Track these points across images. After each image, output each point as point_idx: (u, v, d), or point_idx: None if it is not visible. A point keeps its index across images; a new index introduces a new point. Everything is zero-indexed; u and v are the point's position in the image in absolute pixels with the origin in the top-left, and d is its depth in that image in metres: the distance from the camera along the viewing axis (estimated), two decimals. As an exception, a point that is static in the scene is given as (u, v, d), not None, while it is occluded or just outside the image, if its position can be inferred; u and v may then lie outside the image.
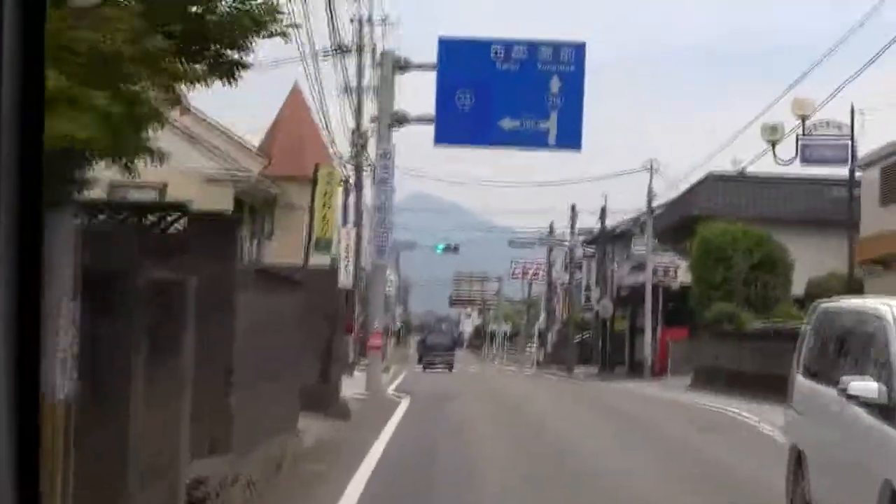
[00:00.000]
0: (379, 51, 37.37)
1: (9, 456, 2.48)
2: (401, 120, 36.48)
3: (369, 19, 46.74)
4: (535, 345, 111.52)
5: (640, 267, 63.86)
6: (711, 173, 60.75)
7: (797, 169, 60.25)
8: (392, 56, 35.99)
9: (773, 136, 45.36)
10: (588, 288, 76.89)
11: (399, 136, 39.84)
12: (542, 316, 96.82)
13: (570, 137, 35.96)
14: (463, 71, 35.65)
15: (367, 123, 49.54)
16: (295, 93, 63.17)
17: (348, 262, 52.72)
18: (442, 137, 35.98)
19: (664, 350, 58.65)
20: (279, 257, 50.58)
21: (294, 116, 61.57)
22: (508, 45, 35.63)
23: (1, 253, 2.46)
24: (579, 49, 35.85)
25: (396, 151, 36.58)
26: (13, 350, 2.48)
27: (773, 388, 29.87)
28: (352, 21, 40.25)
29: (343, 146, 60.05)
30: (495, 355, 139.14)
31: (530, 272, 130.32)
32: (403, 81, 37.56)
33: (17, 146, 2.47)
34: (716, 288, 47.64)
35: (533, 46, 35.62)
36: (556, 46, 35.74)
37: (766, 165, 56.63)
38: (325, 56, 39.85)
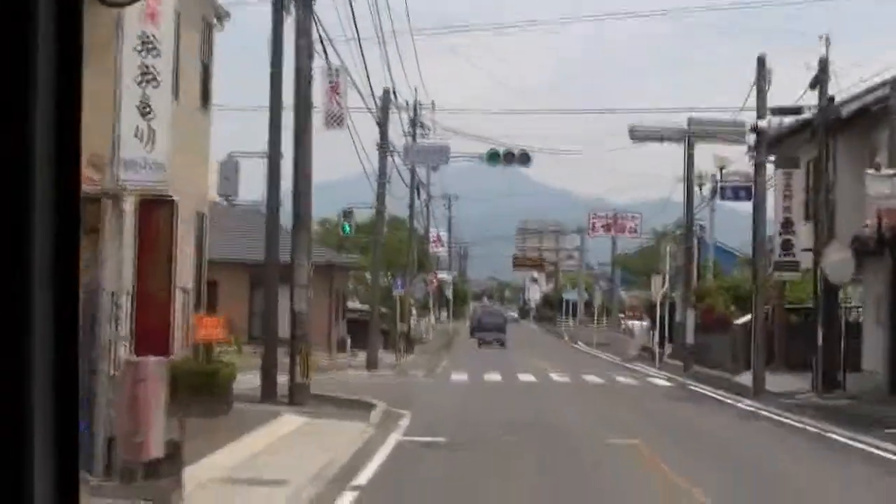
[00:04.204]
0: None
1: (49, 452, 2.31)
2: None
3: None
4: (644, 325, 71.99)
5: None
6: None
7: None
8: None
9: None
10: (787, 225, 37.17)
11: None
12: (663, 280, 57.23)
13: None
14: None
15: None
16: None
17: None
18: None
19: None
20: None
21: None
22: None
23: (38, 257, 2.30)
24: None
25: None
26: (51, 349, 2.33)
27: None
28: None
29: None
30: (575, 333, 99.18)
31: (615, 225, 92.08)
32: None
33: (55, 149, 2.31)
34: None
35: None
36: None
37: None
38: None
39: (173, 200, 14.06)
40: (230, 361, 24.45)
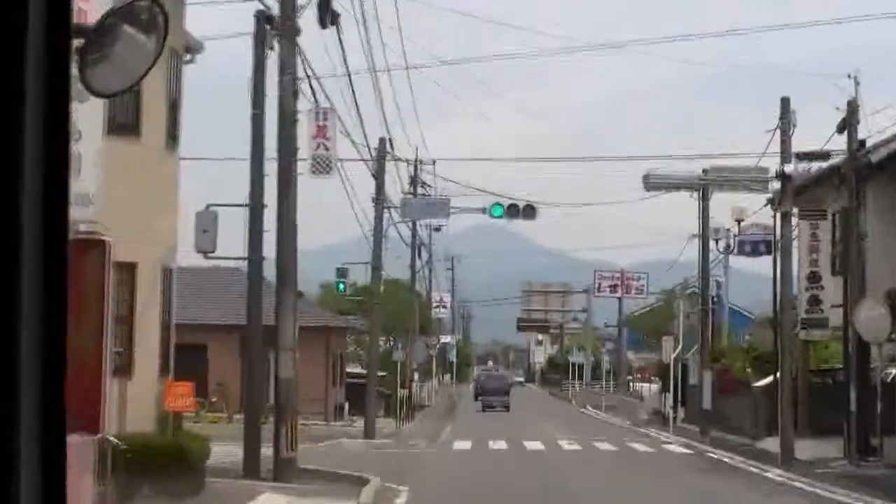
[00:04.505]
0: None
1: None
2: None
3: None
4: (654, 387, 69.09)
5: None
6: None
7: None
8: None
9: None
10: (814, 279, 34.34)
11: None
12: (675, 340, 54.41)
13: None
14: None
15: None
16: None
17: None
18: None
19: None
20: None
21: None
22: None
23: (26, 277, 2.25)
24: None
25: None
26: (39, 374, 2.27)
27: None
28: None
29: None
30: (583, 397, 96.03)
31: (622, 285, 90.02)
32: None
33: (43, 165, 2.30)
34: None
35: None
36: None
37: None
38: None
39: (105, 240, 11.29)
40: (203, 434, 21.64)
